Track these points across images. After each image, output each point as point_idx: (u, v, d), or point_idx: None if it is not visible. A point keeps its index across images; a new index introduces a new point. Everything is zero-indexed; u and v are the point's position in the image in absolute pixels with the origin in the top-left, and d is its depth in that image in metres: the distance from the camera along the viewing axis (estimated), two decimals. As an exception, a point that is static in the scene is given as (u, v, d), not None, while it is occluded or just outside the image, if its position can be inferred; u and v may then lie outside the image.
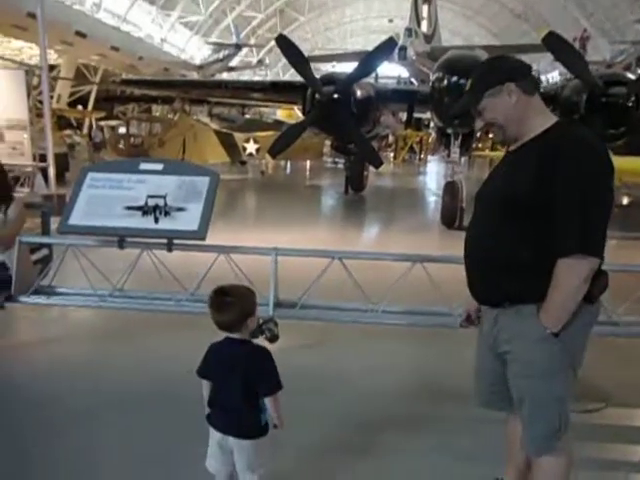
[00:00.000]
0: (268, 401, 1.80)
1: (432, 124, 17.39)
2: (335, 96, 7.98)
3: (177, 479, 2.14)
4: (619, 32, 25.73)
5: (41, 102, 9.25)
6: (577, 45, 19.13)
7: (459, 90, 7.02)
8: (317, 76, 8.46)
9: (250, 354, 1.81)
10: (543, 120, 1.71)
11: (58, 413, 2.61)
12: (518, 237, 1.65)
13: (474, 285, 1.81)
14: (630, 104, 7.56)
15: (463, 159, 9.20)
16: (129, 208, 2.90)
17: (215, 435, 1.85)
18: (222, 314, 1.78)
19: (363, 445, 2.45)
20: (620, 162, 5.93)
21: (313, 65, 8.42)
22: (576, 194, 1.56)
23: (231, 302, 1.78)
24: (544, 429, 1.70)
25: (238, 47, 32.95)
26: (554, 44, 7.66)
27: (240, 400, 1.78)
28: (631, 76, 8.28)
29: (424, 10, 23.42)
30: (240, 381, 1.77)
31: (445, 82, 7.11)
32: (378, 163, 8.62)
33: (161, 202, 2.91)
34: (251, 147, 15.02)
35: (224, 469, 1.90)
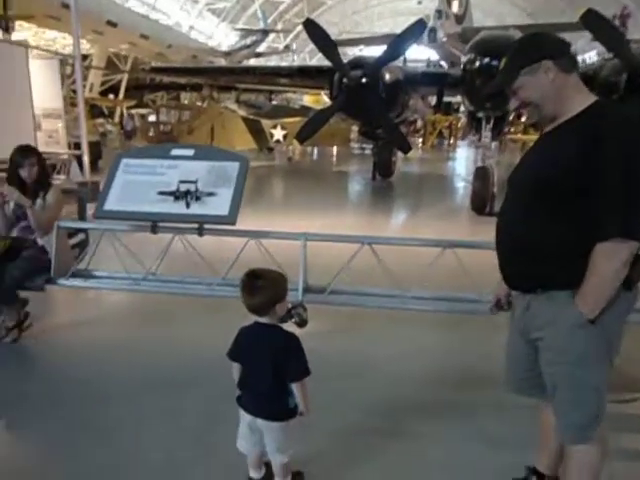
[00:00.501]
0: (295, 387, 1.81)
1: (462, 108, 17.01)
2: (363, 80, 7.88)
3: (211, 458, 2.20)
4: (663, 8, 24.40)
5: (74, 91, 9.47)
6: (617, 23, 18.24)
7: (492, 72, 6.82)
8: (345, 60, 8.37)
9: (279, 339, 1.83)
10: (581, 99, 1.63)
11: (97, 391, 2.72)
12: (552, 221, 1.59)
13: (506, 270, 1.78)
14: (674, 84, 7.19)
15: (494, 144, 8.98)
16: (162, 193, 2.96)
17: (245, 417, 1.89)
18: (253, 297, 1.80)
19: (392, 430, 2.46)
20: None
21: (340, 49, 8.29)
22: (617, 176, 1.49)
23: (262, 286, 1.79)
24: (579, 418, 1.67)
25: (265, 33, 32.86)
26: (592, 22, 7.33)
27: (269, 384, 1.81)
28: (675, 55, 7.86)
29: (455, -10, 22.69)
30: (269, 365, 1.79)
31: (477, 64, 6.92)
32: (407, 148, 8.50)
33: (192, 187, 2.96)
34: (278, 133, 15.05)
35: (254, 450, 1.95)
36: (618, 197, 1.50)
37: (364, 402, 2.67)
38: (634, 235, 1.51)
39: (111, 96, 24.12)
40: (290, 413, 1.86)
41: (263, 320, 1.84)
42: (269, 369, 1.79)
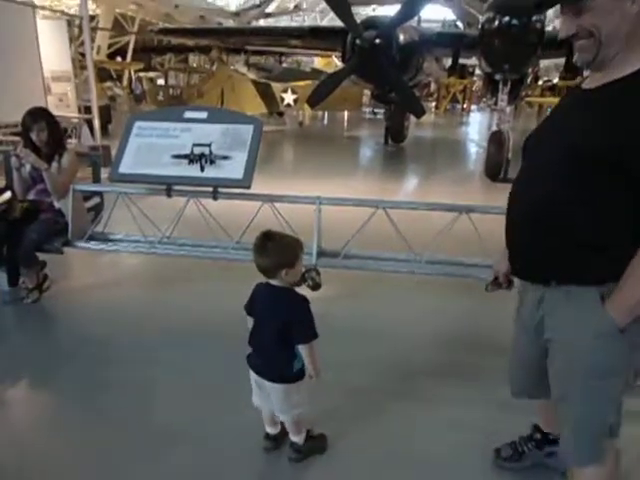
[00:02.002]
0: (302, 349, 1.81)
1: (477, 71, 16.50)
2: (377, 41, 7.64)
3: (229, 414, 2.27)
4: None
5: (82, 54, 9.32)
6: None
7: (512, 32, 6.58)
8: (357, 21, 8.10)
9: (287, 300, 1.83)
10: None
11: (115, 350, 2.80)
12: (591, 203, 1.30)
13: (517, 255, 1.51)
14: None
15: (509, 108, 8.75)
16: (176, 157, 2.95)
17: (252, 375, 1.93)
18: (260, 257, 1.80)
19: (406, 391, 2.52)
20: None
21: (353, 9, 8.02)
22: None
23: (271, 247, 1.78)
24: (590, 435, 1.46)
25: (275, -9, 31.78)
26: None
27: (274, 344, 1.83)
28: None
29: (473, -55, 21.67)
30: (275, 326, 1.80)
31: (497, 23, 6.66)
32: (421, 112, 8.31)
33: (206, 150, 2.94)
34: (289, 97, 14.79)
35: (266, 406, 1.99)
36: None
37: (378, 364, 2.72)
38: None
39: (119, 59, 23.74)
40: (295, 376, 1.86)
41: (273, 282, 1.84)
42: (274, 330, 1.80)
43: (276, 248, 1.78)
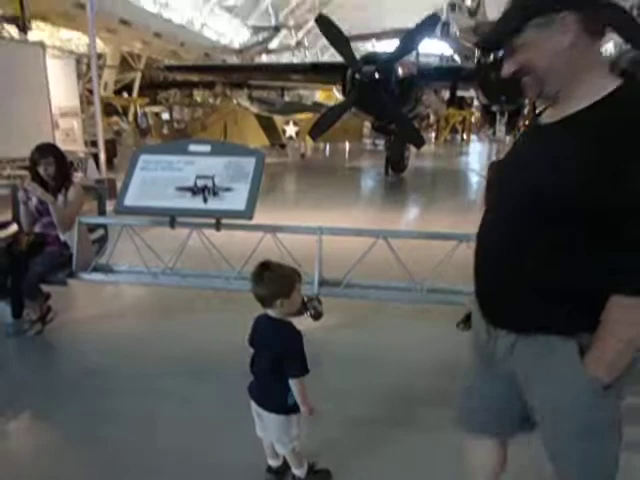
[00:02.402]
0: (292, 384, 1.79)
1: (476, 102, 16.86)
2: (376, 76, 7.90)
3: (229, 446, 2.25)
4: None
5: (90, 91, 9.60)
6: (635, 13, 17.88)
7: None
8: (357, 56, 8.37)
9: (282, 333, 1.83)
10: (605, 79, 1.15)
11: (117, 381, 2.79)
12: (558, 248, 1.18)
13: (487, 301, 1.37)
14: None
15: (508, 138, 8.92)
16: (179, 189, 3.02)
17: (253, 404, 1.93)
18: (256, 286, 1.80)
19: (408, 420, 2.49)
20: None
21: (353, 44, 8.32)
22: None
23: (267, 277, 1.79)
24: None
25: (277, 29, 32.87)
26: (614, 14, 7.24)
27: (269, 375, 1.83)
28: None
29: (468, -17, 22.49)
30: (269, 357, 1.81)
31: (492, 57, 6.88)
32: (420, 143, 8.50)
33: (209, 182, 3.01)
34: (291, 130, 15.10)
35: (266, 436, 1.98)
36: None
37: (378, 393, 2.70)
38: None
39: (125, 95, 24.37)
40: (290, 408, 1.85)
41: (271, 313, 1.84)
42: (269, 361, 1.81)
43: (272, 278, 1.79)
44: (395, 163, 12.32)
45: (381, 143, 15.23)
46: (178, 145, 3.37)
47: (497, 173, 1.38)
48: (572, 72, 1.16)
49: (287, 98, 22.30)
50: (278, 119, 15.23)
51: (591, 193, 1.10)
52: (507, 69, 1.23)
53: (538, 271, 1.21)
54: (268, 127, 14.97)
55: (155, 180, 3.11)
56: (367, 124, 15.55)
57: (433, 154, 19.41)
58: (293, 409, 1.86)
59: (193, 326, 3.53)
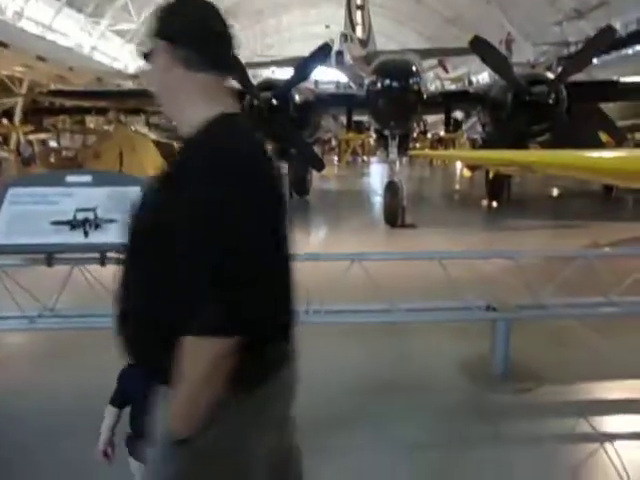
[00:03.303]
0: None
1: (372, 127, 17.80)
2: (273, 102, 8.04)
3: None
4: (541, 35, 27.39)
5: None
6: (502, 48, 20.20)
7: (393, 92, 7.26)
8: (255, 83, 8.47)
9: None
10: (206, 110, 1.14)
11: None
12: (153, 287, 1.14)
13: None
14: (551, 101, 8.11)
15: (404, 159, 9.49)
16: (56, 223, 2.78)
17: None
18: None
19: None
20: (544, 156, 6.31)
21: (253, 71, 8.45)
22: (197, 233, 1.03)
23: None
24: None
25: (174, 55, 32.32)
26: (480, 48, 8.12)
27: None
28: (552, 75, 8.87)
29: (358, 16, 24.03)
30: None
31: (379, 85, 7.32)
32: (320, 166, 8.75)
33: (91, 215, 2.80)
34: (192, 156, 14.74)
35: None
36: (198, 269, 1.03)
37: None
38: (220, 330, 1.01)
39: (5, 121, 22.34)
40: None
41: None
42: None
43: None
44: (298, 186, 12.52)
45: (284, 167, 15.43)
46: (54, 176, 3.13)
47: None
48: (176, 100, 1.19)
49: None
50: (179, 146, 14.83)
51: (169, 227, 1.08)
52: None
53: (140, 310, 1.18)
54: (169, 154, 14.51)
55: (28, 215, 2.83)
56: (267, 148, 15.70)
57: (337, 176, 20.03)
58: None
59: (78, 373, 3.20)
